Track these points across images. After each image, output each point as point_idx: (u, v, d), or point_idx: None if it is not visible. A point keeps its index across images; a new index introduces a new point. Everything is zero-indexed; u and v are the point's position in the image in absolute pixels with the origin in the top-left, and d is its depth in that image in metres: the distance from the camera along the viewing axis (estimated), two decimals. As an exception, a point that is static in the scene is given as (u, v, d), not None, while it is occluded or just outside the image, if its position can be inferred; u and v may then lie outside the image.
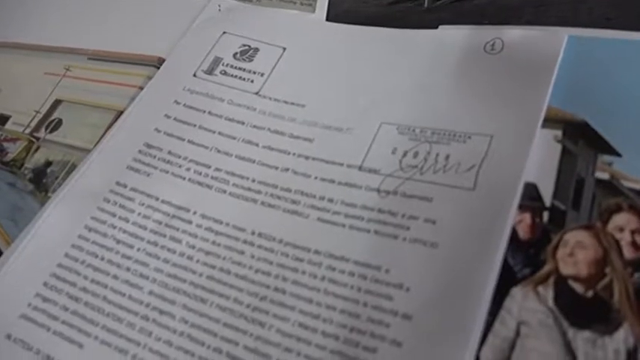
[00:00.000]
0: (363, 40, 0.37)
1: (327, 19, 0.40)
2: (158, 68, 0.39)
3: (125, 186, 0.33)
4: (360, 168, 0.31)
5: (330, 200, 0.30)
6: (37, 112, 0.38)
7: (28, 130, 0.38)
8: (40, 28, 0.44)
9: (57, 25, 0.44)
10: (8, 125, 0.38)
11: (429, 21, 0.37)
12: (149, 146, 0.35)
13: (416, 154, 0.30)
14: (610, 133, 0.28)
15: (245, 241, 0.30)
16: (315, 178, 0.31)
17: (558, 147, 0.28)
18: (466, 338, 0.23)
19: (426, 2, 0.40)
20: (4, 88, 0.40)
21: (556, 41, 0.31)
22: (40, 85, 0.40)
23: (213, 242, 0.30)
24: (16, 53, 0.42)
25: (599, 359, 0.22)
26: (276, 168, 0.32)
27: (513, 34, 0.33)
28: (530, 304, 0.24)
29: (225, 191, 0.32)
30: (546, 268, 0.24)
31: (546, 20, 0.34)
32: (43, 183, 0.34)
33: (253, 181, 0.32)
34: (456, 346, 0.23)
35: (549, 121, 0.29)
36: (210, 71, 0.38)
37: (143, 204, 0.32)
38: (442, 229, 0.27)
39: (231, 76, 0.37)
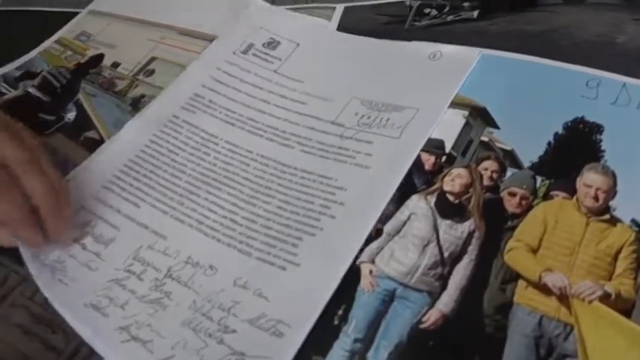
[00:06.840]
0: (356, 46, 0.54)
1: (337, 29, 0.56)
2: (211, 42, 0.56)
3: (178, 117, 0.50)
4: (333, 122, 0.46)
5: (310, 139, 0.46)
6: (139, 62, 0.57)
7: (131, 74, 0.56)
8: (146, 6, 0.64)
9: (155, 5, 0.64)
10: (119, 69, 0.57)
11: (404, 37, 0.53)
12: (197, 95, 0.51)
13: (369, 117, 0.46)
14: (495, 114, 0.43)
15: (251, 159, 0.46)
16: (303, 126, 0.47)
17: (463, 120, 0.43)
18: (376, 216, 0.39)
19: (407, 24, 0.57)
20: (119, 45, 0.60)
21: (473, 56, 0.47)
22: (142, 46, 0.59)
23: (231, 157, 0.46)
24: (128, 24, 0.63)
25: (452, 235, 0.37)
26: (278, 118, 0.48)
27: (448, 48, 0.49)
28: (420, 204, 0.39)
29: (243, 128, 0.48)
30: (435, 186, 0.40)
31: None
32: (138, 107, 0.52)
33: (262, 124, 0.48)
34: (370, 218, 0.39)
35: (461, 105, 0.44)
36: (244, 52, 0.55)
37: (188, 130, 0.49)
38: (375, 159, 0.42)
39: (259, 57, 0.54)
